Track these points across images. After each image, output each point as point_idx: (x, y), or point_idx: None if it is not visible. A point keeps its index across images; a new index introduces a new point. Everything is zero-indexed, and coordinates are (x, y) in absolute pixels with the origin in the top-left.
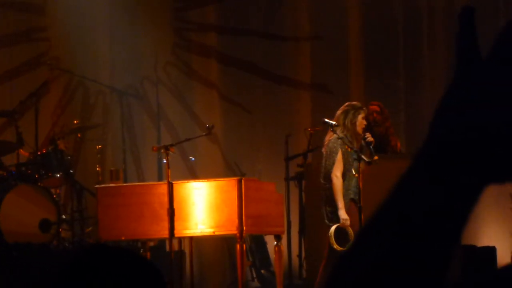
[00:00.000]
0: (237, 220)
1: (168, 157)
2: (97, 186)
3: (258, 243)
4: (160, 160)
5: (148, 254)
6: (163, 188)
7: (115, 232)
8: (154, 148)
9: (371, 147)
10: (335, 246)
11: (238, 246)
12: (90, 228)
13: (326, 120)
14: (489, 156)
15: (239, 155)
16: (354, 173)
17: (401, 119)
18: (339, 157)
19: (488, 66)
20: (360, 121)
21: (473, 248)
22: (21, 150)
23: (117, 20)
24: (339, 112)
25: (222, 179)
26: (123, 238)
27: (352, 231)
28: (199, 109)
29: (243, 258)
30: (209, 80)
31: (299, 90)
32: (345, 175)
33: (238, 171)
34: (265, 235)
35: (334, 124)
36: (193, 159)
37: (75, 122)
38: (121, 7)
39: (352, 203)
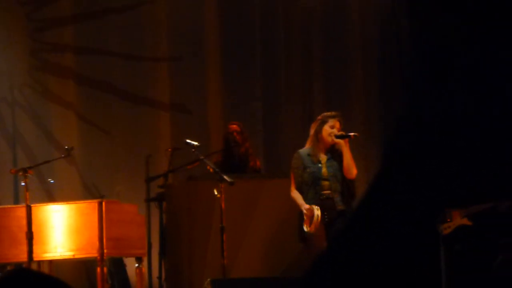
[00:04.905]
0: (97, 243)
1: (26, 179)
2: None
3: (117, 265)
4: (16, 183)
5: None
6: (21, 211)
7: None
8: (13, 171)
9: (344, 134)
10: (305, 229)
11: (98, 269)
12: None
13: (188, 140)
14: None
15: (98, 177)
16: (216, 193)
17: (260, 139)
18: (291, 174)
19: None
20: (326, 129)
21: None
22: None
23: None
24: (312, 124)
25: (82, 201)
26: None
27: (318, 212)
28: (57, 131)
29: (104, 282)
30: (66, 101)
31: (159, 111)
32: (301, 189)
33: (97, 193)
34: (127, 257)
35: (196, 144)
36: (52, 181)
37: None
38: None
39: None
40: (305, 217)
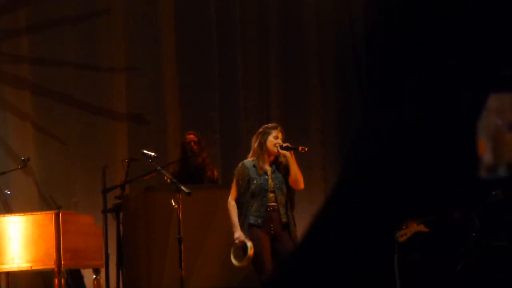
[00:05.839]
0: (55, 255)
1: None
2: None
3: (74, 277)
4: None
5: None
6: None
7: None
8: None
9: (290, 146)
10: (235, 262)
11: (56, 280)
12: None
13: (145, 151)
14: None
15: (55, 188)
16: (173, 204)
17: (217, 149)
18: (233, 183)
19: None
20: (271, 140)
21: None
22: None
23: None
24: (253, 138)
25: (39, 212)
26: None
27: (251, 245)
28: (13, 141)
29: None
30: (22, 112)
31: (115, 121)
32: (242, 200)
33: (54, 204)
34: (84, 268)
35: (153, 155)
36: (8, 192)
37: None
38: None
39: (254, 229)
40: (233, 247)
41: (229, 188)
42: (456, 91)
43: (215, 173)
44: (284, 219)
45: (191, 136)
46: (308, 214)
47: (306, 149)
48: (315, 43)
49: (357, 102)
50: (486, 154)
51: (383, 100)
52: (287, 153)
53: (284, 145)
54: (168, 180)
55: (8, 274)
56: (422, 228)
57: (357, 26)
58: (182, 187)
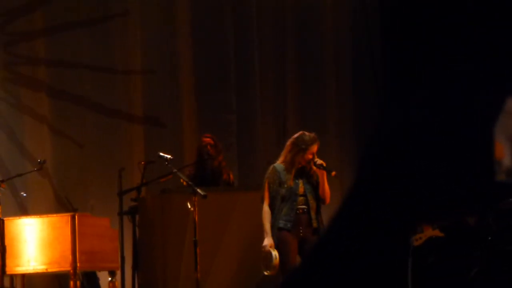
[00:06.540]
0: (70, 257)
1: None
2: None
3: (90, 279)
4: None
5: None
6: None
7: None
8: None
9: (324, 166)
10: (263, 270)
11: (71, 283)
12: None
13: (161, 154)
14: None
15: (71, 190)
16: (189, 206)
17: (233, 152)
18: (265, 188)
19: None
20: (307, 158)
21: None
22: None
23: None
24: (288, 142)
25: (55, 215)
26: None
27: (276, 254)
28: (29, 143)
29: None
30: (39, 114)
31: (132, 124)
32: (273, 204)
33: (70, 206)
34: (100, 271)
35: (169, 158)
36: (24, 194)
37: None
38: None
39: (283, 232)
40: (262, 255)
41: (245, 191)
42: (456, 91)
43: (231, 176)
44: (315, 224)
45: (208, 139)
46: (325, 219)
47: (338, 176)
48: (332, 46)
49: (374, 104)
50: (505, 157)
51: (384, 100)
52: (318, 171)
53: (318, 162)
54: (184, 183)
55: (23, 276)
56: (437, 233)
57: (373, 28)
58: (198, 190)
